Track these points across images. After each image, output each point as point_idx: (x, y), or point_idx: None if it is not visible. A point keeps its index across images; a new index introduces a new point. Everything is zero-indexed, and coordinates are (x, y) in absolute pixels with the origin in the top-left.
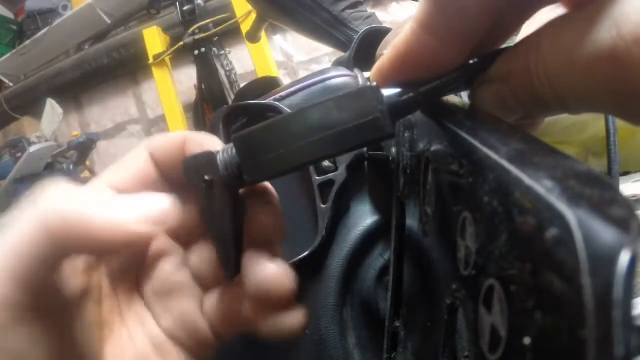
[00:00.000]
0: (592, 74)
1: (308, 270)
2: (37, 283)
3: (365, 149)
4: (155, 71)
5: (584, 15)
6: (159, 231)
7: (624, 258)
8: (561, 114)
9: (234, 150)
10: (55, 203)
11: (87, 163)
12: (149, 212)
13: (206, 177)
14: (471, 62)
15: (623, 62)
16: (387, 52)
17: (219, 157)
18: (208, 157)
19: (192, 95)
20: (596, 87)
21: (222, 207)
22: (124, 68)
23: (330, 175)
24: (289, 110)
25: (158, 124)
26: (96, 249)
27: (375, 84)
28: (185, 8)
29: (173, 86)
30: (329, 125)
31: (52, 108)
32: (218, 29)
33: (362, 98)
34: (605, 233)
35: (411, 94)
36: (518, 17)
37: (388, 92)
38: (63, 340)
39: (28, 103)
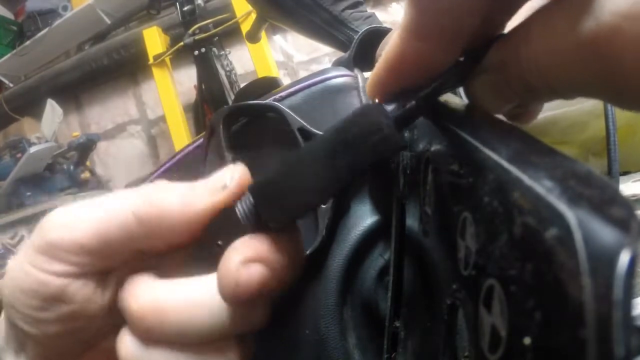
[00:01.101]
0: (577, 61)
1: (308, 270)
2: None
3: None
4: (155, 71)
5: (568, 3)
6: (226, 196)
7: (624, 258)
8: (554, 100)
9: (251, 199)
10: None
11: (87, 163)
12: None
13: (219, 242)
14: (463, 58)
15: (603, 50)
16: (379, 63)
17: (237, 208)
18: (224, 215)
19: (192, 95)
20: (582, 74)
21: None
22: (124, 68)
23: None
24: (289, 111)
25: (158, 124)
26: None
27: (377, 100)
28: (185, 8)
29: (173, 86)
30: (339, 154)
31: (52, 108)
32: (218, 29)
33: (367, 117)
34: (605, 233)
35: (413, 102)
36: (506, 13)
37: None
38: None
39: (28, 103)
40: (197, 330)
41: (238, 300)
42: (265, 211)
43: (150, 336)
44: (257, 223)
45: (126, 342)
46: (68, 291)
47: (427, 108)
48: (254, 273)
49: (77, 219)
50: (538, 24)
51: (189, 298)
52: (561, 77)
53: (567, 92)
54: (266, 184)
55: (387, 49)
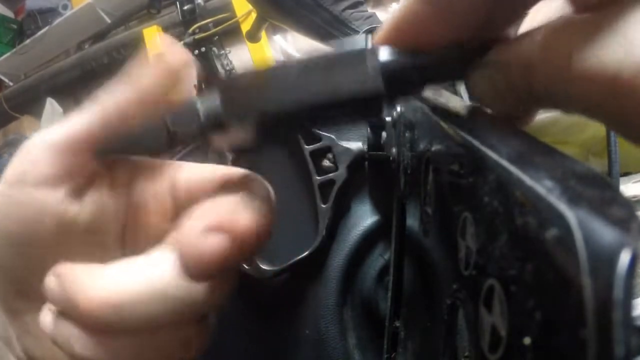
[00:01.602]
0: (589, 89)
1: (308, 270)
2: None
3: (365, 149)
4: None
5: (591, 24)
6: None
7: (624, 258)
8: (555, 110)
9: (216, 95)
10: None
11: None
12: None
13: (171, 128)
14: (468, 46)
15: (622, 90)
16: (388, 20)
17: (199, 105)
18: (184, 108)
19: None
20: (592, 102)
21: None
22: (124, 68)
23: (331, 175)
24: None
25: None
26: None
27: (370, 46)
28: (185, 7)
29: None
30: (319, 77)
31: (51, 107)
32: (218, 28)
33: (356, 55)
34: (606, 233)
35: (408, 59)
36: (520, 6)
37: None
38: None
39: (28, 102)
40: (156, 317)
41: (204, 274)
42: (226, 106)
43: (101, 329)
44: (218, 121)
45: (70, 333)
46: (46, 204)
47: (420, 82)
48: (218, 243)
49: (50, 129)
50: (554, 37)
51: (145, 283)
52: (569, 98)
53: (571, 110)
54: (235, 82)
55: (399, 6)
